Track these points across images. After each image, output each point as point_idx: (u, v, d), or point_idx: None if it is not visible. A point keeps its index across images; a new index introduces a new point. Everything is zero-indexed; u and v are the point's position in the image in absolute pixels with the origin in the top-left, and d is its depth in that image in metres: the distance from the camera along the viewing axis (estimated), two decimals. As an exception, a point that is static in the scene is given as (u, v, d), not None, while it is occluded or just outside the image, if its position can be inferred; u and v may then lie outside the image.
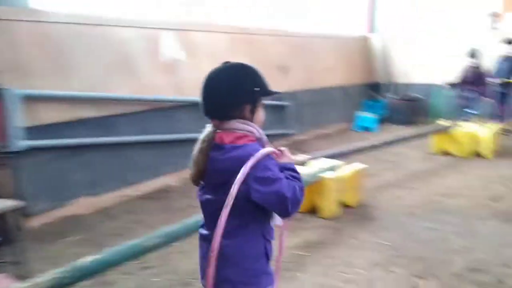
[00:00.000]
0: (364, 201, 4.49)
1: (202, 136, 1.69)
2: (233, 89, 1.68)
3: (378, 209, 4.35)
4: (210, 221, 1.67)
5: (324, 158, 4.68)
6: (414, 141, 6.84)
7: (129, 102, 4.84)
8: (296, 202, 1.58)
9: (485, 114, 7.00)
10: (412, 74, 9.15)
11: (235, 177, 1.50)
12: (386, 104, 8.88)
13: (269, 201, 1.56)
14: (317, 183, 4.14)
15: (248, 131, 1.65)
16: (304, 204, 4.23)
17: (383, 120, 8.90)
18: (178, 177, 5.26)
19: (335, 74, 8.37)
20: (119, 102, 4.74)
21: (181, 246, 3.31)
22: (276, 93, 1.79)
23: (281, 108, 6.78)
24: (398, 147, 6.79)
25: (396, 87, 9.44)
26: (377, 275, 3.10)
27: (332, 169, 4.29)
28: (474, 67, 6.92)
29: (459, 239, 3.57)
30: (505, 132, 6.90)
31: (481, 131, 6.16)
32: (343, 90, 8.61)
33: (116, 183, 4.78)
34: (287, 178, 1.59)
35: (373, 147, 5.25)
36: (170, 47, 5.32)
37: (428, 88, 8.80)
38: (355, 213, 4.27)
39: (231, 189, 1.48)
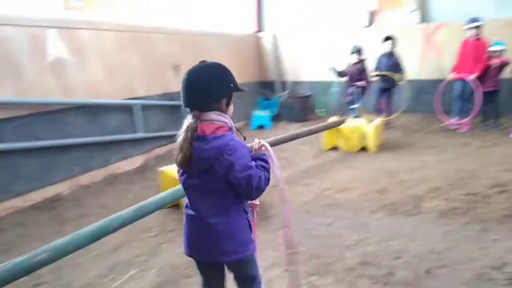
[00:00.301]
0: (260, 200, 4.45)
1: (184, 126, 1.96)
2: (213, 85, 1.95)
3: (274, 207, 4.35)
4: (197, 203, 2.00)
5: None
6: (306, 137, 7.12)
7: (13, 105, 4.36)
8: (259, 190, 1.98)
9: (369, 109, 7.49)
10: (301, 72, 9.48)
11: (217, 163, 1.87)
12: (279, 102, 9.05)
13: (240, 185, 1.93)
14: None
15: (223, 122, 1.96)
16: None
17: (276, 118, 9.08)
18: (70, 185, 4.85)
19: (229, 72, 8.32)
20: (1, 106, 4.25)
21: (75, 258, 2.98)
22: (243, 90, 2.09)
23: (176, 108, 6.52)
24: (291, 144, 6.95)
25: (287, 85, 9.70)
26: (276, 274, 3.06)
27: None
28: (356, 64, 7.29)
29: (351, 233, 3.68)
30: (386, 126, 7.36)
31: (366, 126, 6.52)
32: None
33: (1, 195, 4.32)
34: (257, 167, 1.98)
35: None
36: (55, 46, 4.79)
37: (316, 85, 9.19)
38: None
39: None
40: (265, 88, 9.66)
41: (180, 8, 7.71)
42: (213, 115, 1.94)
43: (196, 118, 1.95)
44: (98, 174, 5.12)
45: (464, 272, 2.95)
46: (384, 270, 3.03)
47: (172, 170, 4.37)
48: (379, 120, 6.79)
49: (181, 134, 1.97)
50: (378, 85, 7.59)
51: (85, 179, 5.01)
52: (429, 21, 8.74)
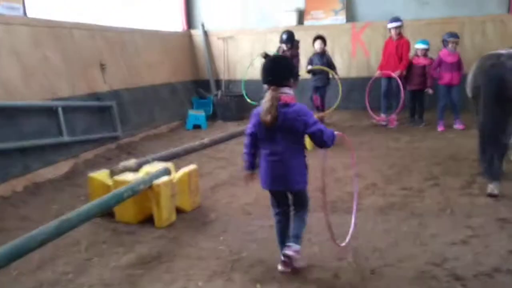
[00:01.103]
0: (200, 204, 4.28)
1: (269, 96, 2.73)
2: (287, 68, 2.88)
3: (215, 210, 4.18)
4: (277, 149, 2.80)
5: (153, 162, 4.34)
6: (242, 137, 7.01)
7: None
8: (329, 139, 2.84)
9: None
10: (236, 71, 9.37)
11: (296, 122, 2.70)
12: (213, 101, 8.86)
13: (315, 135, 2.77)
14: (147, 190, 3.76)
15: (292, 94, 2.79)
16: (135, 215, 3.86)
17: (212, 117, 8.89)
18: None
19: (160, 71, 8.00)
20: None
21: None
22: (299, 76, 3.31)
23: (103, 109, 6.12)
24: (228, 143, 6.83)
25: (222, 83, 9.54)
26: (218, 285, 2.89)
27: (162, 173, 3.94)
28: (287, 52, 7.19)
29: (295, 234, 3.60)
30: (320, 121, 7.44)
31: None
32: (171, 87, 8.30)
33: None
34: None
35: (201, 147, 5.07)
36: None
37: (251, 84, 9.12)
38: (191, 218, 4.02)
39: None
40: (199, 87, 9.42)
41: (103, 4, 7.26)
42: (286, 89, 2.79)
43: (274, 91, 2.75)
44: (18, 184, 4.62)
45: (407, 270, 2.95)
46: (329, 272, 2.97)
47: (101, 175, 4.05)
48: (317, 115, 6.85)
49: (266, 102, 2.75)
50: (311, 83, 7.63)
51: (3, 189, 4.50)
52: (355, 21, 8.97)
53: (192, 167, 4.23)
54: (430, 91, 7.30)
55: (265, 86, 2.83)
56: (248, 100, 7.35)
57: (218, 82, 9.52)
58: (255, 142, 2.93)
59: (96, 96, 5.99)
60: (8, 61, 4.70)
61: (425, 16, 8.65)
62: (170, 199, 3.85)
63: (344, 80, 7.77)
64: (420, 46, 7.43)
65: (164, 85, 8.02)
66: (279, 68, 2.85)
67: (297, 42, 7.20)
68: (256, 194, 4.58)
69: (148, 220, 3.88)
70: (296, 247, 2.94)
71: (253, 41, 9.10)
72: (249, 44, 9.15)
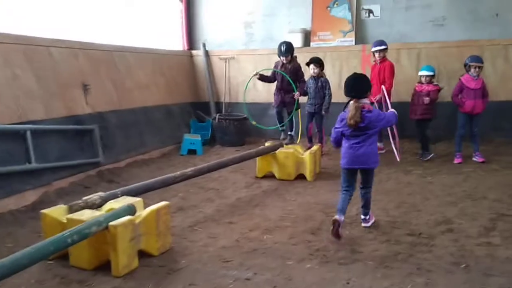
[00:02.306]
0: (170, 246, 3.70)
1: (353, 106, 3.77)
2: (365, 85, 3.95)
3: (187, 255, 3.58)
4: (358, 140, 3.86)
5: (122, 196, 3.79)
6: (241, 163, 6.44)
7: None
8: (394, 120, 4.07)
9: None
10: (238, 93, 8.88)
11: (374, 122, 3.82)
12: (213, 124, 8.34)
13: (385, 126, 4.39)
14: (105, 231, 3.20)
15: (368, 103, 3.88)
16: (90, 259, 3.29)
17: (211, 142, 8.36)
18: None
19: (153, 93, 7.52)
20: None
21: None
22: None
23: (83, 133, 5.62)
24: (224, 171, 6.27)
25: (222, 106, 9.05)
26: None
27: (123, 211, 3.38)
28: (287, 64, 6.59)
29: (274, 292, 2.98)
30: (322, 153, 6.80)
31: (302, 152, 5.96)
32: (166, 109, 7.81)
33: None
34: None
35: (182, 178, 4.49)
36: None
37: (254, 107, 8.62)
38: (156, 265, 3.43)
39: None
40: (199, 109, 8.93)
41: (98, 21, 6.86)
42: (365, 100, 3.85)
43: (355, 102, 3.77)
44: (-29, 215, 4.12)
45: None
46: None
47: (56, 212, 3.50)
48: (315, 147, 6.25)
49: (351, 110, 3.76)
50: (306, 107, 6.99)
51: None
52: (365, 43, 8.43)
53: (162, 204, 3.66)
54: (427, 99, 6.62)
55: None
56: (253, 123, 6.89)
57: (218, 105, 9.02)
58: (341, 136, 3.99)
59: (75, 119, 5.50)
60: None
61: (441, 38, 8.07)
62: (130, 243, 3.27)
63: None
64: (424, 73, 6.78)
65: (158, 107, 7.53)
66: (359, 85, 3.91)
67: (295, 56, 6.62)
68: (238, 235, 3.99)
69: (106, 266, 3.31)
70: (367, 218, 4.18)
71: (255, 62, 8.60)
72: (252, 65, 8.62)
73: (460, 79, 6.54)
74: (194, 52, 9.27)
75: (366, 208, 4.16)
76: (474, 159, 6.61)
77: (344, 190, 4.08)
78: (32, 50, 5.09)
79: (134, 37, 7.66)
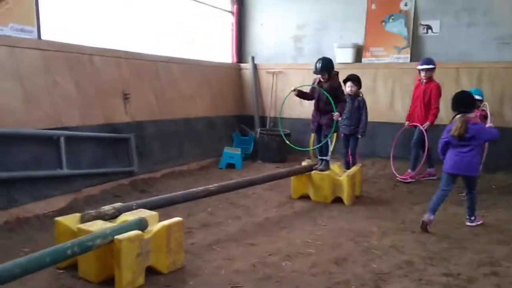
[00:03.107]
0: (182, 265, 3.53)
1: (460, 120, 4.34)
2: (471, 101, 4.50)
3: (197, 276, 3.39)
4: (463, 150, 4.39)
5: (138, 209, 3.68)
6: (277, 181, 6.20)
7: None
8: (496, 136, 4.48)
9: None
10: (284, 107, 8.65)
11: (478, 134, 4.34)
12: (255, 139, 8.17)
13: (489, 140, 4.92)
14: (111, 245, 3.09)
15: (473, 116, 4.50)
16: (97, 272, 3.19)
17: (252, 156, 8.19)
18: None
19: (197, 104, 7.49)
20: None
21: None
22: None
23: (119, 141, 5.65)
24: (258, 187, 6.06)
25: (267, 120, 8.87)
26: None
27: (133, 225, 3.26)
28: (326, 82, 5.70)
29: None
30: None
31: (339, 174, 5.62)
32: (208, 121, 7.75)
33: None
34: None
35: (204, 193, 4.33)
36: None
37: (298, 123, 8.36)
38: (163, 283, 3.28)
39: None
40: (243, 123, 8.82)
41: (151, 33, 6.98)
42: (472, 114, 4.47)
43: (462, 116, 4.36)
44: (-2, 217, 4.19)
45: None
46: None
47: (69, 220, 3.46)
48: (356, 168, 5.88)
49: (457, 123, 4.35)
50: (341, 129, 6.38)
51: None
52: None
53: (175, 220, 3.51)
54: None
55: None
56: (286, 142, 6.34)
57: (263, 119, 8.85)
58: (447, 145, 4.54)
59: (112, 127, 5.55)
60: (9, 86, 4.38)
61: (507, 58, 7.39)
62: (136, 258, 3.14)
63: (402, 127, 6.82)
64: None
65: (200, 119, 7.48)
66: (466, 101, 4.46)
67: (337, 72, 5.74)
68: (256, 259, 3.74)
69: (113, 280, 3.19)
70: (472, 218, 4.72)
71: (303, 77, 8.34)
72: (300, 80, 8.36)
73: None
74: (242, 65, 9.20)
75: (470, 209, 4.72)
76: (539, 193, 5.92)
77: (442, 190, 4.60)
78: (74, 58, 5.20)
79: (185, 49, 7.74)
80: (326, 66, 5.52)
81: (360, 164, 6.15)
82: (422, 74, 6.60)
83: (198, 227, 4.55)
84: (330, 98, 5.36)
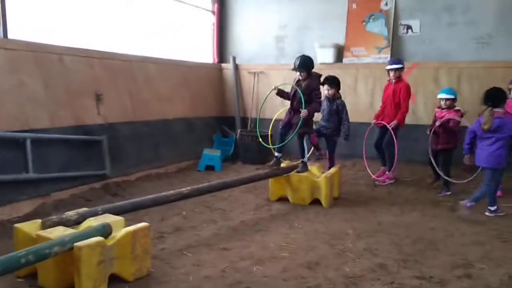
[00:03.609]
0: (148, 272, 3.40)
1: (489, 112, 4.73)
2: (500, 97, 4.84)
3: (162, 283, 3.28)
4: (486, 144, 4.84)
5: (103, 214, 3.55)
6: (254, 184, 6.10)
7: None
8: None
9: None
10: (264, 108, 8.54)
11: (502, 128, 4.72)
12: (236, 140, 8.06)
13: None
14: (71, 252, 2.96)
15: (503, 112, 4.82)
16: (56, 281, 3.06)
17: (233, 158, 8.08)
18: None
19: (175, 105, 7.36)
20: None
21: None
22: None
23: (91, 144, 5.50)
24: (236, 190, 5.96)
25: (248, 121, 8.77)
26: None
27: (95, 231, 3.13)
28: (303, 81, 5.54)
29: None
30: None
31: (317, 176, 5.53)
32: (187, 123, 7.62)
33: None
34: None
35: (176, 197, 4.21)
36: None
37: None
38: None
39: None
40: (224, 124, 8.70)
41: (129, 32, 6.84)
42: (499, 109, 4.77)
43: (491, 110, 4.72)
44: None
45: None
46: None
47: (28, 226, 3.32)
48: (334, 169, 5.80)
49: (486, 116, 4.75)
50: (319, 128, 6.24)
51: None
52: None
53: (140, 225, 3.38)
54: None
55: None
56: (262, 143, 6.15)
57: (244, 120, 8.75)
58: (474, 138, 4.93)
59: (84, 129, 5.40)
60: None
61: (486, 58, 7.40)
62: (97, 266, 3.01)
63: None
64: (443, 96, 6.01)
65: (178, 120, 7.35)
66: (495, 96, 4.79)
67: (318, 74, 5.60)
68: (227, 264, 3.63)
69: (70, 289, 3.06)
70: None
71: (285, 77, 8.22)
72: (281, 80, 8.18)
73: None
74: (223, 65, 9.09)
75: (488, 197, 5.00)
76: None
77: (485, 185, 4.98)
78: (43, 57, 5.04)
79: (164, 49, 7.61)
80: (304, 63, 5.39)
81: (338, 166, 6.07)
82: (391, 74, 6.52)
83: (170, 231, 4.42)
84: (302, 95, 5.22)
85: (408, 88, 6.48)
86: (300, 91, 5.30)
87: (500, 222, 4.81)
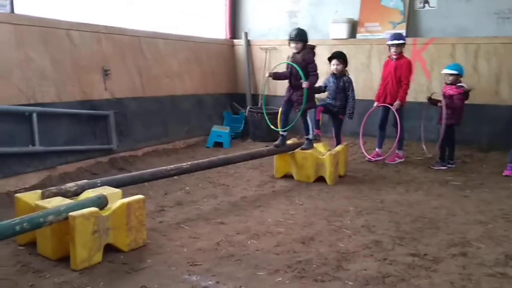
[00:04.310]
0: (144, 243, 3.47)
1: None
2: None
3: (156, 254, 3.33)
4: None
5: (105, 186, 3.62)
6: (261, 161, 6.12)
7: None
8: None
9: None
10: (277, 85, 8.47)
11: None
12: (246, 117, 8.04)
13: None
14: (67, 222, 3.05)
15: None
16: (54, 250, 3.16)
17: (243, 135, 8.09)
18: None
19: (185, 81, 7.36)
20: None
21: None
22: None
23: (97, 118, 5.57)
24: (241, 166, 6.00)
25: (259, 98, 8.70)
26: None
27: (91, 202, 3.20)
28: (297, 54, 5.37)
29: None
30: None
31: (322, 153, 5.49)
32: (197, 99, 7.63)
33: None
34: None
35: (177, 172, 4.25)
36: None
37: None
38: (121, 261, 3.22)
39: None
40: (235, 101, 8.68)
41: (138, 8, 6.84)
42: None
43: None
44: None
45: None
46: None
47: (29, 197, 3.42)
48: (340, 147, 5.74)
49: None
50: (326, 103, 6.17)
51: None
52: (418, 36, 7.67)
53: (135, 198, 3.44)
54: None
55: None
56: (268, 123, 6.02)
57: (255, 97, 8.70)
58: None
59: (90, 104, 5.47)
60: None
61: (505, 33, 7.10)
62: (91, 235, 3.09)
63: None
64: (447, 71, 5.98)
65: (187, 97, 7.36)
66: None
67: (312, 46, 5.40)
68: (222, 237, 3.68)
69: (66, 258, 3.15)
70: None
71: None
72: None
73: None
74: (235, 41, 9.01)
75: None
76: (529, 172, 5.75)
77: None
78: (50, 32, 5.09)
79: (177, 24, 7.60)
80: (301, 32, 5.28)
81: (345, 143, 6.01)
82: (392, 49, 6.32)
83: (172, 205, 4.49)
84: (298, 68, 5.11)
85: (410, 64, 6.33)
86: (295, 65, 5.19)
87: (507, 201, 4.71)
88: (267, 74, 5.48)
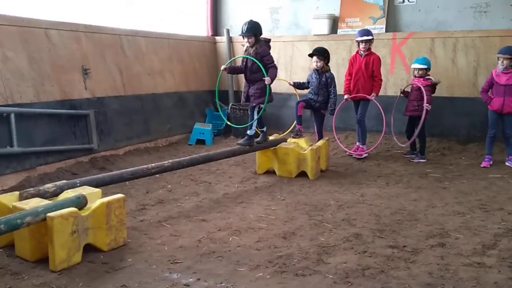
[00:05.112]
0: (125, 242, 3.46)
1: None
2: None
3: (136, 253, 3.32)
4: None
5: (84, 186, 3.60)
6: (243, 157, 6.15)
7: None
8: None
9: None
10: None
11: None
12: (228, 114, 8.04)
13: None
14: (45, 223, 3.02)
15: None
16: (32, 251, 3.12)
17: (225, 132, 8.09)
18: None
19: (166, 79, 7.32)
20: None
21: None
22: None
23: (77, 118, 5.51)
24: (224, 163, 6.01)
25: (242, 95, 8.69)
26: None
27: (70, 202, 3.18)
28: (251, 47, 5.34)
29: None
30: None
31: (304, 148, 5.52)
32: (178, 97, 7.60)
33: None
34: None
35: (158, 170, 4.23)
36: None
37: (275, 98, 8.19)
38: (101, 260, 3.20)
39: None
40: (218, 98, 8.63)
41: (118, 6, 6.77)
42: None
43: None
44: None
45: None
46: None
47: (6, 198, 3.37)
48: (322, 142, 5.78)
49: None
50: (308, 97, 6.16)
51: None
52: (397, 31, 7.75)
53: (115, 197, 3.42)
54: (427, 106, 6.00)
55: None
56: (225, 120, 6.25)
57: (238, 94, 8.69)
58: None
59: (70, 103, 5.41)
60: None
61: (483, 27, 7.22)
62: (70, 236, 3.06)
63: (379, 98, 6.57)
64: (416, 66, 6.26)
65: (169, 95, 7.32)
66: None
67: (267, 39, 5.42)
68: (204, 234, 3.68)
69: (48, 259, 3.12)
70: None
71: (279, 50, 8.20)
72: (275, 52, 8.17)
73: (491, 73, 5.79)
74: (217, 38, 8.99)
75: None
76: (507, 164, 5.86)
77: None
78: (28, 32, 5.02)
79: (158, 22, 7.54)
80: (251, 27, 5.19)
81: (327, 138, 6.05)
82: (362, 45, 6.39)
83: (153, 203, 4.48)
84: (258, 62, 5.07)
85: (380, 60, 6.48)
86: (252, 58, 5.18)
87: (484, 192, 4.80)
88: (222, 68, 5.46)
